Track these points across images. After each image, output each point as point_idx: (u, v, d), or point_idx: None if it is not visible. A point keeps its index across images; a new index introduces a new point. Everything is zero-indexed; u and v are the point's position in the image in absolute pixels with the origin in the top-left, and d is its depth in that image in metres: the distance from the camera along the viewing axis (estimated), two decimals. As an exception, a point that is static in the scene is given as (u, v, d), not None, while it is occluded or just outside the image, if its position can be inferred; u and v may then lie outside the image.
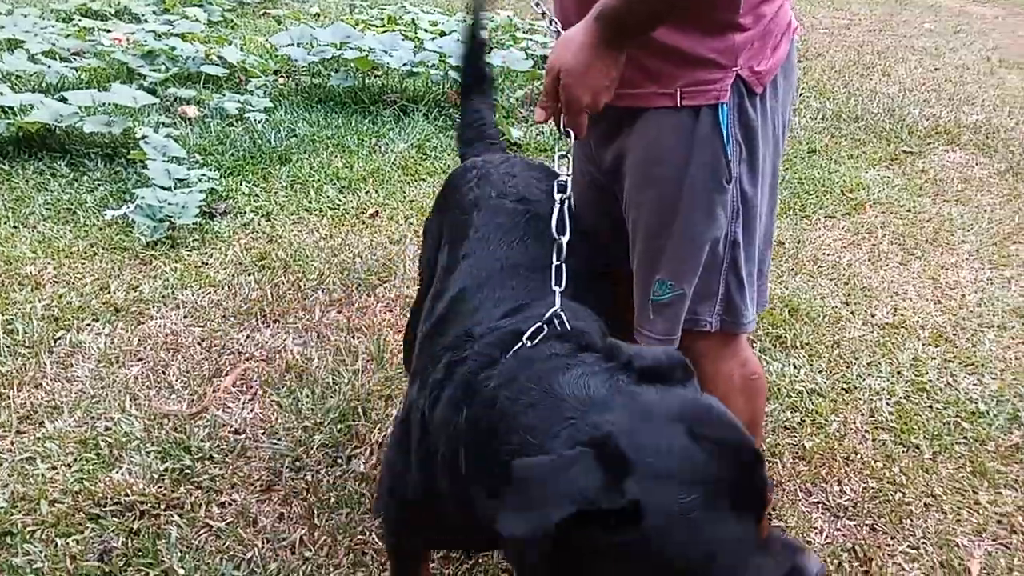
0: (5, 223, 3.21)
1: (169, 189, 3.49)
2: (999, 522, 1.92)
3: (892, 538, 1.87)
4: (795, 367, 2.46)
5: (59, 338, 2.56)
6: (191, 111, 4.57)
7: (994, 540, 1.88)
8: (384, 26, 5.95)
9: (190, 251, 3.17)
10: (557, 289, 1.29)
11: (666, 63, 1.43)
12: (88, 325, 2.63)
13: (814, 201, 3.73)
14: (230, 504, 1.93)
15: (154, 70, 4.84)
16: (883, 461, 2.09)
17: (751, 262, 1.53)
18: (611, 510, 0.91)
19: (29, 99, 4.09)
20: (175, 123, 4.36)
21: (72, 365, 2.42)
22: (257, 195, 3.69)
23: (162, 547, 1.79)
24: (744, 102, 1.43)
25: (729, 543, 0.92)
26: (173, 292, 2.85)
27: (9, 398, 2.27)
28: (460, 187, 1.75)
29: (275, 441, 2.11)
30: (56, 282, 2.88)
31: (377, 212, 3.55)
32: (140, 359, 2.47)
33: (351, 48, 5.06)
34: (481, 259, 1.51)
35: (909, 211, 3.66)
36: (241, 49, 5.52)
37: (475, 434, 1.12)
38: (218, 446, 2.09)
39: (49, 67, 4.54)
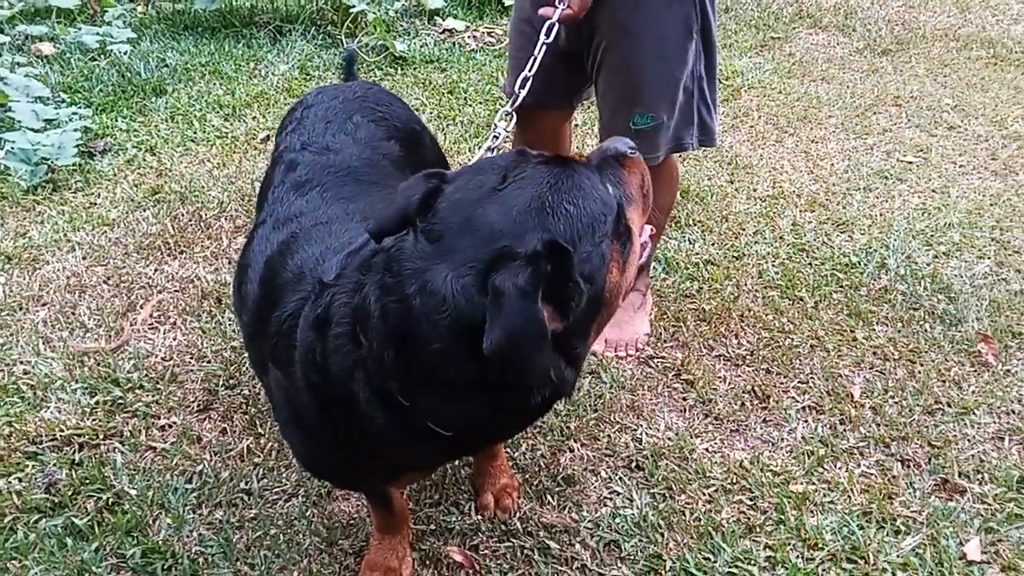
0: None
1: (40, 131, 3.29)
2: (874, 353, 2.19)
3: (785, 377, 2.12)
4: (690, 242, 2.65)
5: (-51, 292, 2.44)
6: (46, 48, 4.26)
7: (871, 369, 2.15)
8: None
9: (74, 192, 3.04)
10: None
11: None
12: (-21, 276, 2.51)
13: (694, 91, 3.89)
14: (170, 427, 1.96)
15: (-6, 6, 4.43)
16: (773, 314, 2.33)
17: (713, 92, 1.94)
18: (549, 267, 1.00)
19: None
20: (31, 62, 4.05)
21: (-29, 318, 2.33)
22: (136, 130, 3.53)
23: (109, 473, 1.81)
24: None
25: (599, 193, 1.10)
26: (65, 235, 2.74)
27: (-91, 357, 2.17)
28: (281, 131, 1.75)
29: (205, 364, 2.13)
30: (-65, 237, 2.72)
31: (268, 136, 3.48)
32: (44, 303, 2.40)
33: (212, -32, 4.77)
34: (275, 224, 1.49)
35: (780, 93, 3.89)
36: (90, -23, 5.11)
37: (393, 341, 1.07)
38: (147, 375, 2.09)
39: None
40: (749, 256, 2.59)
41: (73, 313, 2.34)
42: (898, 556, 1.66)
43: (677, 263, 2.54)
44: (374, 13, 4.55)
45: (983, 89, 3.91)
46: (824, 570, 1.63)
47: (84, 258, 2.61)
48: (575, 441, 1.92)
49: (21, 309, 2.37)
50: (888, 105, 3.75)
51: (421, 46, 4.47)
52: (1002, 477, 1.82)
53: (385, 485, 1.48)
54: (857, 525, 1.71)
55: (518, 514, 1.73)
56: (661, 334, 2.25)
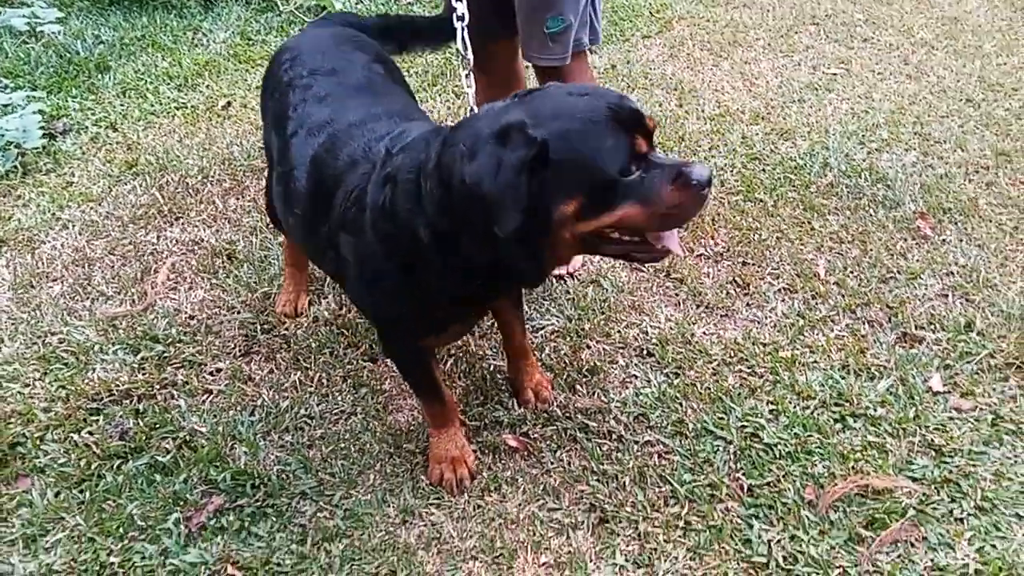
0: None
1: (-4, 117, 3.26)
2: (831, 238, 2.50)
3: (759, 267, 2.40)
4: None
5: (-45, 279, 2.47)
6: (-31, 34, 4.13)
7: (830, 251, 2.46)
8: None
9: (46, 174, 3.06)
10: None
11: None
12: (-21, 262, 2.55)
13: (630, 26, 4.12)
14: (219, 371, 2.10)
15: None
16: (739, 216, 2.61)
17: None
18: (535, 156, 1.25)
19: None
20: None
21: (-15, 299, 2.39)
22: (91, 108, 3.52)
23: (175, 416, 1.96)
24: None
25: (608, 150, 1.28)
26: (53, 214, 2.78)
27: (-65, 342, 2.23)
28: (276, 71, 1.92)
29: (235, 314, 2.27)
30: (-85, 230, 2.72)
31: (229, 103, 3.53)
32: (55, 279, 2.47)
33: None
34: (310, 133, 1.70)
35: (708, 21, 4.15)
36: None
37: (443, 183, 1.35)
38: (183, 330, 2.22)
39: None
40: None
41: (89, 284, 2.43)
42: (876, 396, 1.97)
43: (648, 181, 2.78)
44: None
45: (887, 3, 4.27)
46: (818, 414, 1.93)
47: (80, 233, 2.67)
48: (590, 339, 2.16)
49: (34, 287, 2.43)
50: (807, 24, 4.06)
51: (357, 3, 4.52)
52: (951, 325, 2.16)
53: (438, 340, 1.75)
54: (839, 376, 2.02)
55: (555, 403, 1.97)
56: (647, 242, 2.50)
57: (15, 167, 3.06)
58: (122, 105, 3.53)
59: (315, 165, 1.66)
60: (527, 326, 2.17)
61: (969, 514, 1.71)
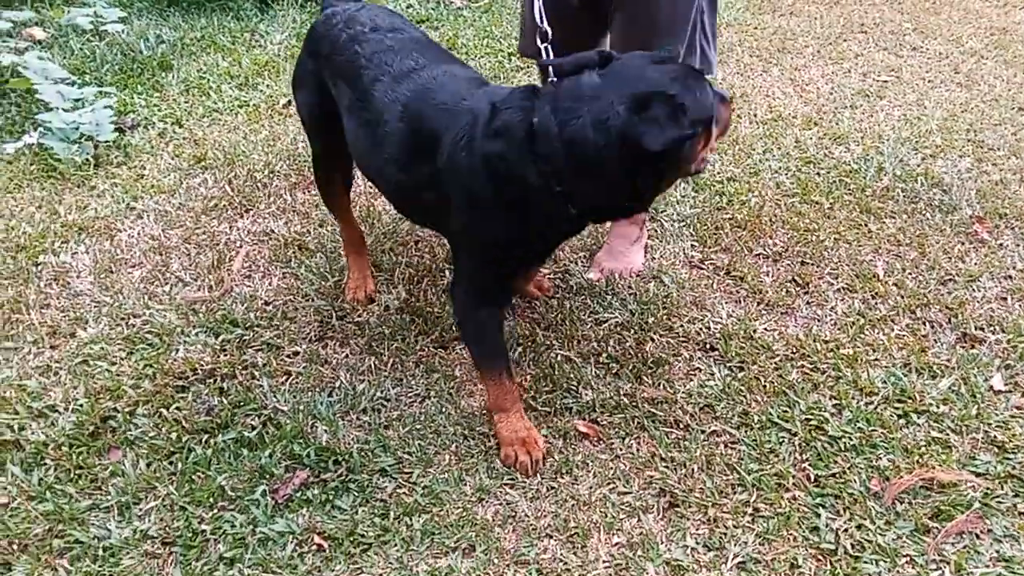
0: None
1: (70, 111, 3.39)
2: (888, 241, 2.54)
3: (818, 267, 2.45)
4: (711, 163, 2.95)
5: (39, 263, 2.59)
6: (38, 33, 4.29)
7: (888, 253, 2.50)
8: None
9: (118, 167, 3.17)
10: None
11: None
12: (60, 247, 2.66)
13: (678, 32, 4.17)
14: (296, 355, 2.19)
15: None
16: (797, 217, 2.65)
17: (713, 25, 2.19)
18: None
19: None
20: (28, 47, 4.09)
21: (69, 284, 2.49)
22: (156, 105, 3.65)
23: (258, 395, 2.04)
24: None
25: (706, 94, 1.60)
26: (128, 205, 2.90)
27: (24, 321, 2.33)
28: (330, 33, 2.02)
29: (310, 302, 2.36)
30: (-1, 216, 2.84)
31: (290, 102, 3.63)
32: (134, 265, 2.57)
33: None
34: (394, 79, 1.85)
35: (756, 28, 4.20)
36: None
37: (566, 145, 1.58)
38: (260, 316, 2.31)
39: None
40: (764, 171, 2.91)
41: (167, 270, 2.53)
42: (938, 394, 2.01)
43: (704, 182, 2.84)
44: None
45: (935, 12, 4.29)
46: (881, 410, 1.97)
47: (156, 223, 2.78)
48: (654, 333, 2.22)
49: (114, 272, 2.54)
50: (855, 32, 4.10)
51: (407, 7, 4.63)
52: (1011, 327, 2.19)
53: (518, 272, 2.06)
54: (901, 374, 2.06)
55: (619, 390, 2.03)
56: (706, 241, 2.55)
57: (88, 160, 3.19)
58: (186, 102, 3.65)
59: (410, 108, 1.80)
60: (591, 318, 2.24)
61: (1033, 508, 1.74)
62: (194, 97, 3.71)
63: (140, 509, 1.78)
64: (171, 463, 1.88)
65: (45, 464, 1.89)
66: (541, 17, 1.87)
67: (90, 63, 3.98)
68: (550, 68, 1.76)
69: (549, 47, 1.87)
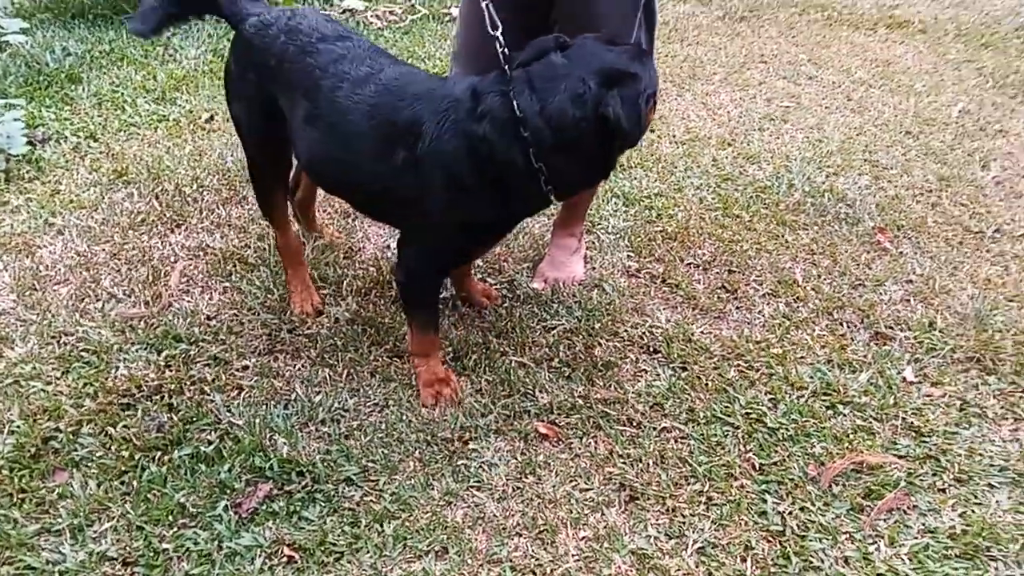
0: None
1: (-27, 123, 3.21)
2: (803, 250, 2.75)
3: (743, 274, 2.62)
4: (638, 180, 3.11)
5: (-48, 282, 2.44)
6: (-74, 42, 4.03)
7: (804, 261, 2.70)
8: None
9: (30, 181, 3.03)
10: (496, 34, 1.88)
11: None
12: (-26, 265, 2.51)
13: (594, 57, 4.36)
14: (246, 368, 2.15)
15: None
16: (721, 230, 2.83)
17: (652, 35, 2.27)
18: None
19: None
20: (-82, 56, 3.84)
21: (-11, 302, 2.36)
22: (67, 118, 3.51)
23: (211, 408, 2.00)
24: None
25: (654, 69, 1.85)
26: (46, 220, 2.77)
27: (-59, 342, 2.19)
28: (272, 46, 2.03)
29: (255, 315, 2.32)
30: (-102, 234, 2.66)
31: (212, 116, 3.57)
32: (60, 282, 2.46)
33: (97, -46, 4.65)
34: (354, 85, 1.90)
35: (668, 56, 4.44)
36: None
37: (547, 121, 1.74)
38: (204, 330, 2.25)
39: None
40: (687, 188, 3.09)
41: (97, 286, 2.43)
42: (859, 386, 2.19)
43: (633, 197, 2.99)
44: (279, -4, 4.65)
45: (826, 45, 4.67)
46: (811, 402, 2.14)
47: (78, 238, 2.67)
48: (600, 338, 2.32)
49: (39, 289, 2.42)
50: (756, 62, 4.40)
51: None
52: (915, 325, 2.42)
53: (482, 250, 2.28)
54: (826, 369, 2.24)
55: (574, 393, 2.11)
56: (641, 252, 2.69)
57: (-1, 174, 3.02)
58: (100, 116, 3.52)
59: (379, 107, 1.87)
60: (540, 325, 2.32)
61: (950, 485, 1.93)
62: (108, 111, 3.58)
63: (94, 531, 1.71)
64: (123, 482, 1.82)
65: (-18, 489, 1.78)
66: (490, 11, 1.90)
67: (-11, 75, 3.77)
68: (506, 57, 1.85)
69: (501, 37, 1.89)
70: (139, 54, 4.14)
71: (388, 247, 2.66)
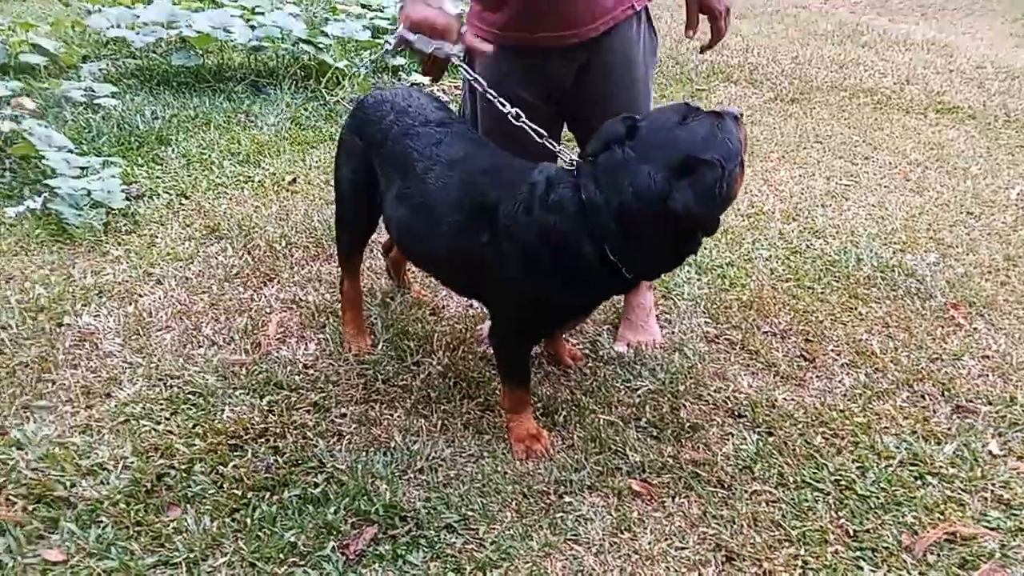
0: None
1: (76, 178, 3.41)
2: (878, 323, 2.80)
3: (821, 344, 2.67)
4: (708, 250, 3.20)
5: (62, 324, 2.56)
6: (28, 103, 4.30)
7: (880, 334, 2.74)
8: (201, 3, 5.82)
9: (128, 234, 3.19)
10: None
11: None
12: (81, 310, 2.65)
13: (654, 133, 4.52)
14: (344, 416, 2.22)
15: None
16: (793, 300, 2.90)
17: None
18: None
19: None
20: (21, 116, 4.09)
21: (97, 345, 2.47)
22: (159, 176, 3.70)
23: (315, 453, 2.06)
24: None
25: (738, 143, 1.83)
26: (146, 271, 2.91)
27: (55, 382, 2.30)
28: (382, 123, 2.18)
29: (351, 365, 2.41)
30: (8, 279, 2.81)
31: (295, 179, 3.75)
32: (162, 328, 2.58)
33: (186, 27, 4.98)
34: (445, 169, 2.04)
35: (724, 134, 4.59)
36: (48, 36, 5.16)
37: (614, 215, 1.81)
38: (303, 379, 2.34)
39: None
40: (756, 259, 3.17)
41: (199, 333, 2.54)
42: (945, 458, 2.21)
43: (705, 266, 3.08)
44: (348, 71, 4.93)
45: (879, 128, 4.80)
46: (900, 471, 2.15)
47: (176, 288, 2.80)
48: (685, 400, 2.36)
49: (144, 335, 2.54)
50: (811, 142, 4.54)
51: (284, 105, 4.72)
52: (996, 399, 2.44)
53: (563, 327, 2.36)
54: (911, 440, 2.26)
55: (663, 453, 2.15)
56: (718, 319, 2.76)
57: (100, 226, 3.19)
58: (189, 176, 3.72)
59: (468, 189, 1.99)
60: (624, 386, 2.38)
61: (1046, 559, 1.92)
62: (196, 171, 3.78)
63: (210, 565, 1.76)
64: (235, 520, 1.88)
65: (101, 521, 1.85)
66: (503, 104, 2.05)
67: (87, 133, 4.01)
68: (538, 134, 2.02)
69: (527, 122, 2.05)
70: (222, 119, 4.38)
71: (471, 305, 2.75)
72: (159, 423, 2.15)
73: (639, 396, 2.36)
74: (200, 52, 4.98)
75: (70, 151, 3.64)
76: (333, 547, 1.82)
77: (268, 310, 2.69)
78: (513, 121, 2.06)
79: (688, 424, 2.27)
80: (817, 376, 2.52)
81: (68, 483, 1.93)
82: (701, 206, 1.74)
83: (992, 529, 2.00)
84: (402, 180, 2.10)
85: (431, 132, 2.12)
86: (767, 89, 5.50)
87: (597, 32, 2.16)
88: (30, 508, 1.88)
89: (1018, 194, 3.91)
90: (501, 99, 2.07)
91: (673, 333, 2.67)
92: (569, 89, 2.25)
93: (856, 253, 3.23)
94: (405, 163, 2.10)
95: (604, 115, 2.03)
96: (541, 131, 2.06)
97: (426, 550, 1.84)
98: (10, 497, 1.90)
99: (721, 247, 3.25)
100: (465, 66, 2.14)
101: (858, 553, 1.92)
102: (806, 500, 2.04)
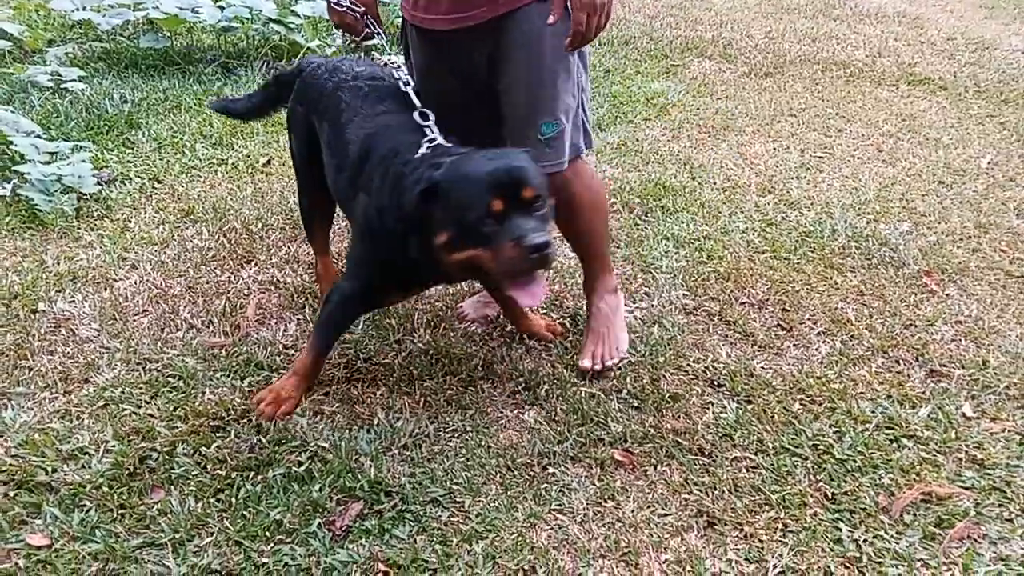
0: None
1: (46, 163, 3.35)
2: (853, 291, 2.84)
3: (796, 313, 2.70)
4: (684, 223, 3.22)
5: (36, 311, 2.53)
6: (-8, 88, 4.21)
7: (855, 302, 2.78)
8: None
9: (100, 219, 3.15)
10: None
11: None
12: (56, 296, 2.62)
13: (630, 109, 4.53)
14: (328, 395, 2.22)
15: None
16: (771, 271, 2.93)
17: (587, 102, 2.26)
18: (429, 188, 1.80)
19: None
20: (-15, 101, 4.01)
21: (73, 331, 2.45)
22: (130, 161, 3.65)
23: (298, 432, 2.06)
24: None
25: (472, 203, 1.74)
26: (120, 255, 2.88)
27: (32, 368, 2.28)
28: (317, 82, 2.31)
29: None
30: (-22, 266, 2.76)
31: (269, 160, 3.71)
32: (139, 313, 2.56)
33: (153, 9, 4.88)
34: (364, 119, 2.12)
35: (699, 109, 4.61)
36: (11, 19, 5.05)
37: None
38: (284, 359, 2.33)
39: None
40: (733, 231, 3.20)
41: (176, 317, 2.52)
42: (920, 421, 2.25)
43: (682, 239, 3.10)
44: (319, 49, 4.87)
45: (851, 100, 4.84)
46: (876, 435, 2.19)
47: (151, 272, 2.77)
48: (665, 371, 2.39)
49: (121, 319, 2.51)
50: (786, 115, 4.57)
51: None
52: (969, 363, 2.49)
53: (384, 301, 2.31)
54: (886, 404, 2.30)
55: (644, 422, 2.17)
56: (696, 291, 2.78)
57: (70, 210, 3.14)
58: (161, 159, 3.67)
59: (368, 140, 2.08)
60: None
61: (1017, 515, 1.98)
62: (168, 154, 3.73)
63: (196, 545, 1.76)
64: (219, 500, 1.88)
65: (84, 505, 1.84)
66: (417, 102, 2.09)
67: (55, 118, 3.94)
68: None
69: (432, 126, 2.04)
70: (193, 102, 4.31)
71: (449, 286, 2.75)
72: (140, 407, 2.14)
73: (620, 368, 2.38)
74: (168, 34, 4.90)
75: (38, 136, 3.57)
76: (319, 524, 1.83)
77: (246, 292, 2.67)
78: (401, 87, 2.12)
79: (669, 394, 2.29)
80: (794, 344, 2.55)
81: (49, 468, 1.92)
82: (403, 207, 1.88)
83: (966, 488, 2.05)
84: (330, 128, 2.19)
85: (360, 84, 2.21)
86: (741, 64, 5.51)
87: (492, 15, 2.02)
88: (11, 495, 1.86)
89: (988, 163, 3.97)
90: (402, 67, 2.18)
91: (652, 306, 2.69)
92: (485, 77, 2.14)
93: (831, 224, 3.27)
94: (334, 112, 2.19)
95: (513, 104, 2.09)
96: (416, 103, 2.08)
97: (412, 524, 1.85)
98: (-10, 484, 1.88)
99: (698, 220, 3.27)
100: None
101: (836, 515, 1.96)
102: (785, 465, 2.08)
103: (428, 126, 2.02)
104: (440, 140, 2.00)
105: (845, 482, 2.05)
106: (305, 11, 5.17)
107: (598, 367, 2.33)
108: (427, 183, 1.79)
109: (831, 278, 2.91)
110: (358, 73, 2.26)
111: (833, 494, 2.01)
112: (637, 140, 4.09)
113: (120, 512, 1.83)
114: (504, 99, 2.13)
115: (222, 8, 5.00)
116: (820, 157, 4.00)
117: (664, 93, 4.82)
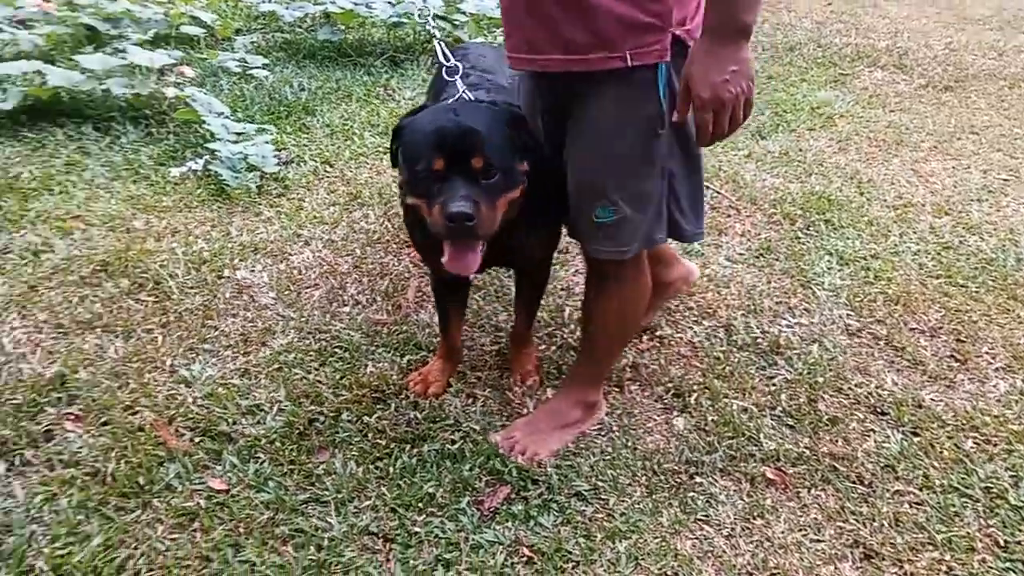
0: (74, 186, 3.25)
1: (234, 143, 3.63)
2: (1038, 327, 2.62)
3: (973, 345, 2.52)
4: (849, 240, 3.08)
5: (221, 277, 2.75)
6: (188, 71, 4.59)
7: (1039, 338, 2.57)
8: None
9: (278, 197, 3.37)
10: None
11: (615, 29, 1.63)
12: (239, 264, 2.83)
13: (793, 118, 4.37)
14: (479, 380, 2.29)
15: (120, 35, 4.73)
16: (945, 297, 2.74)
17: (692, 189, 1.87)
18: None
19: (29, 66, 3.96)
20: (181, 84, 4.38)
21: (253, 297, 2.65)
22: (305, 145, 3.88)
23: (451, 412, 2.15)
24: (680, 59, 1.62)
25: (420, 153, 1.70)
26: (295, 232, 3.07)
27: (217, 328, 2.48)
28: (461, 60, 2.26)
29: (481, 332, 2.48)
30: (175, 232, 3.03)
31: (431, 151, 3.84)
32: (311, 285, 2.73)
33: (331, 3, 5.17)
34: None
35: (869, 121, 4.38)
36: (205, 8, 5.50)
37: None
38: (439, 342, 2.42)
39: (13, 35, 4.34)
40: (904, 253, 3.02)
41: (344, 293, 2.67)
42: (1114, 475, 2.05)
43: (847, 257, 2.96)
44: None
45: (1043, 120, 4.44)
46: (1060, 485, 2.01)
47: (323, 249, 2.95)
48: (824, 392, 2.29)
49: (294, 291, 2.69)
50: (967, 133, 4.25)
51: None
52: None
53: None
54: (1074, 453, 2.11)
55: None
56: (861, 312, 2.65)
57: (254, 187, 3.39)
58: (333, 145, 3.88)
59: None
60: (760, 373, 2.32)
61: None
62: (339, 141, 3.94)
63: (355, 506, 1.87)
64: (378, 467, 1.98)
65: (259, 457, 1.99)
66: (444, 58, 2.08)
67: (240, 102, 4.25)
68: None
69: (458, 80, 1.98)
70: (362, 92, 4.54)
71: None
72: (309, 372, 2.29)
73: (775, 384, 2.31)
74: (343, 27, 5.18)
75: (227, 117, 3.87)
76: (468, 502, 1.89)
77: (407, 275, 2.79)
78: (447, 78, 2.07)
79: (826, 417, 2.20)
80: (969, 378, 2.38)
81: (230, 420, 2.09)
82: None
83: None
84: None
85: (472, 73, 2.12)
86: (917, 75, 5.19)
87: (563, 69, 1.72)
88: (196, 440, 2.04)
89: None
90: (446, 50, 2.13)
91: (812, 323, 2.59)
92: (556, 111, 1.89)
93: (1015, 252, 3.02)
94: (436, 97, 2.17)
95: (572, 175, 1.84)
96: (447, 56, 2.09)
97: (557, 514, 1.88)
98: (179, 429, 2.07)
99: (865, 238, 3.11)
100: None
101: (1008, 564, 1.82)
102: (953, 505, 1.95)
103: (453, 81, 2.01)
104: (465, 94, 1.93)
105: (1020, 530, 1.89)
106: (470, 8, 5.32)
107: (503, 449, 2.01)
108: (398, 123, 1.84)
109: (1014, 310, 2.69)
110: (476, 65, 2.19)
111: (1005, 542, 1.87)
112: (800, 150, 3.94)
113: (290, 467, 1.96)
114: (568, 166, 1.88)
115: (392, 4, 5.24)
116: (1005, 180, 3.70)
117: (832, 102, 4.61)
